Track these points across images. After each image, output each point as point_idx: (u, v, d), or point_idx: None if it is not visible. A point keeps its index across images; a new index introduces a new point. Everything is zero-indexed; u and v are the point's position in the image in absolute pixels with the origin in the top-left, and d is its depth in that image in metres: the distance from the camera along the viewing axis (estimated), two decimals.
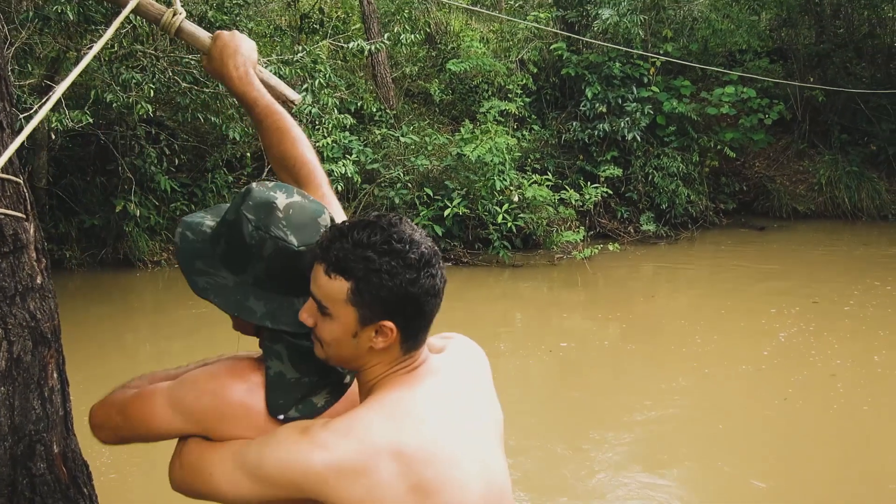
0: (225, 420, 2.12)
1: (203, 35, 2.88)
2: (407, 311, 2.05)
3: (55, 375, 2.70)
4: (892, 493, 6.93)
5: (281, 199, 2.18)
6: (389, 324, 2.06)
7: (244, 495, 2.05)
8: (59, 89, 2.73)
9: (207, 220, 2.33)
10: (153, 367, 2.82)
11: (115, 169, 13.98)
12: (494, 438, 2.27)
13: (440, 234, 14.42)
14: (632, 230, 16.74)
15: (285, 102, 2.87)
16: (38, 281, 2.62)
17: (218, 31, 2.84)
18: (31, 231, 2.64)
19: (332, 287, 2.03)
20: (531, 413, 8.51)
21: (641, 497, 6.93)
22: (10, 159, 2.44)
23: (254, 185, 2.24)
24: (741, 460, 7.58)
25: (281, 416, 2.13)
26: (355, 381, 2.25)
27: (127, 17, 2.76)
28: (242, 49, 2.79)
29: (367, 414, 2.04)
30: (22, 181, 2.63)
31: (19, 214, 2.56)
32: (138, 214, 13.78)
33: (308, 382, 2.19)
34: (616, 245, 15.18)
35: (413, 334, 2.12)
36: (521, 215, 14.52)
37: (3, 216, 2.48)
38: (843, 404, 8.77)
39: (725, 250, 16.17)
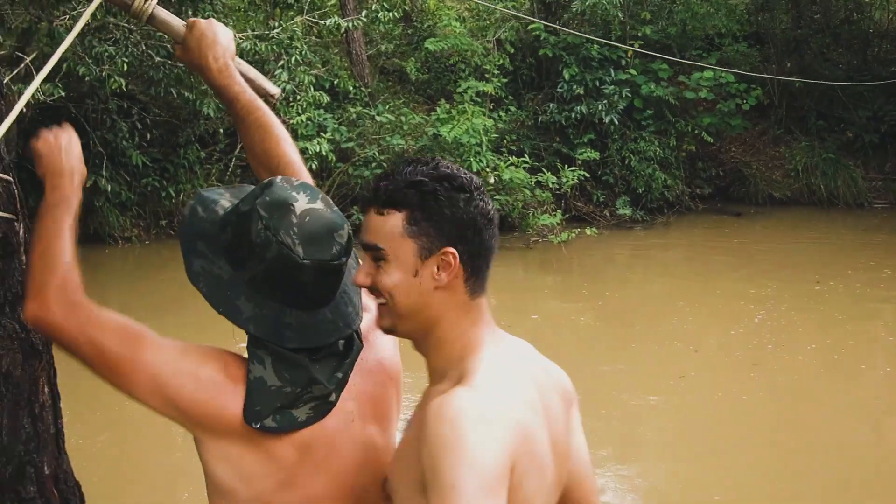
0: (204, 417, 2.07)
1: (177, 23, 2.69)
2: (466, 236, 1.97)
3: (46, 390, 2.52)
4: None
5: (300, 203, 2.09)
6: (451, 250, 1.97)
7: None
8: (37, 81, 2.64)
9: (223, 201, 2.23)
10: None
11: (87, 143, 13.89)
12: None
13: None
14: (608, 214, 16.89)
15: (265, 97, 2.75)
16: None
17: (192, 19, 2.67)
18: (21, 233, 2.46)
19: (386, 223, 1.96)
20: None
21: (616, 477, 7.08)
22: None
23: (278, 178, 2.15)
24: (713, 440, 7.86)
25: (256, 425, 2.05)
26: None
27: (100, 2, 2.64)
28: (221, 38, 2.66)
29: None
30: (12, 179, 2.49)
31: (9, 215, 2.41)
32: (109, 189, 13.76)
33: (290, 393, 2.07)
34: (594, 230, 15.30)
35: (477, 267, 2.02)
36: (497, 197, 14.57)
37: None
38: (811, 381, 9.20)
39: (701, 235, 16.37)
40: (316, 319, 2.11)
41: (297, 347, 2.08)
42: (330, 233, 2.09)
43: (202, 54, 2.61)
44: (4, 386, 2.38)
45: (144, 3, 2.61)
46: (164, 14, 2.66)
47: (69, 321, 2.08)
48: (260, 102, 2.62)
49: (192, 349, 2.12)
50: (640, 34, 17.59)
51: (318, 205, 2.11)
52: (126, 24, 12.38)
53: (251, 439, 2.06)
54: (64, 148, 2.44)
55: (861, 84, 18.39)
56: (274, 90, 2.87)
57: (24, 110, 12.60)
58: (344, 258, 2.12)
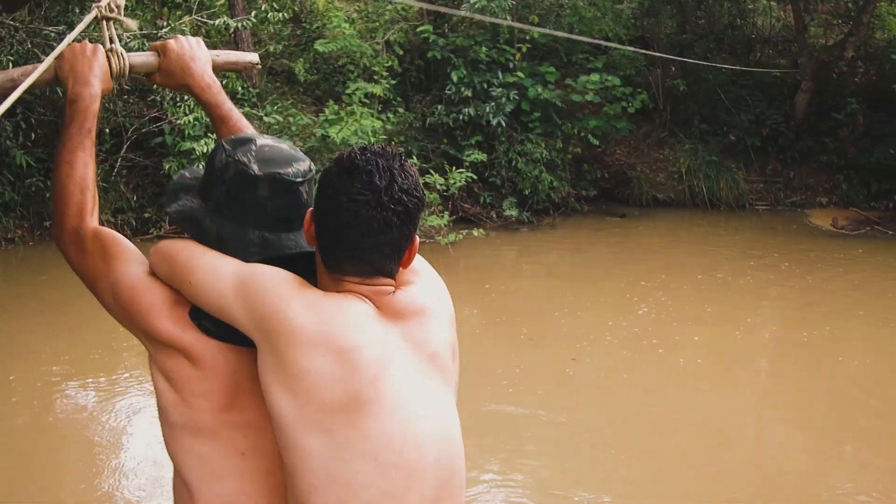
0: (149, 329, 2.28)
1: (146, 56, 2.84)
2: (321, 221, 2.17)
3: None
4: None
5: (263, 140, 2.34)
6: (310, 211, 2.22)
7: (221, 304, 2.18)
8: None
9: (200, 171, 2.47)
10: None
11: None
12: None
13: None
14: (494, 215, 17.33)
15: (249, 68, 3.05)
16: None
17: (160, 43, 2.83)
18: None
19: None
20: None
21: (501, 486, 7.41)
22: None
23: (236, 137, 2.40)
24: (598, 441, 8.26)
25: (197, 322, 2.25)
26: None
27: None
28: (196, 53, 2.80)
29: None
30: None
31: None
32: None
33: None
34: (481, 231, 15.73)
35: (329, 255, 2.18)
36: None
37: None
38: (693, 377, 9.74)
39: (586, 236, 16.88)
40: (280, 239, 2.31)
41: (258, 260, 2.24)
42: (288, 160, 2.31)
43: (188, 74, 2.80)
44: None
45: (120, 62, 2.77)
46: (135, 57, 2.81)
47: (70, 249, 2.44)
48: (245, 122, 2.83)
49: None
50: (528, 37, 18.04)
51: (283, 145, 2.36)
52: (11, 23, 12.43)
53: (184, 348, 2.23)
54: (89, 56, 2.69)
55: (742, 76, 19.15)
56: (253, 58, 3.12)
57: None
58: (300, 179, 2.31)
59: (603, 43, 17.37)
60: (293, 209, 2.31)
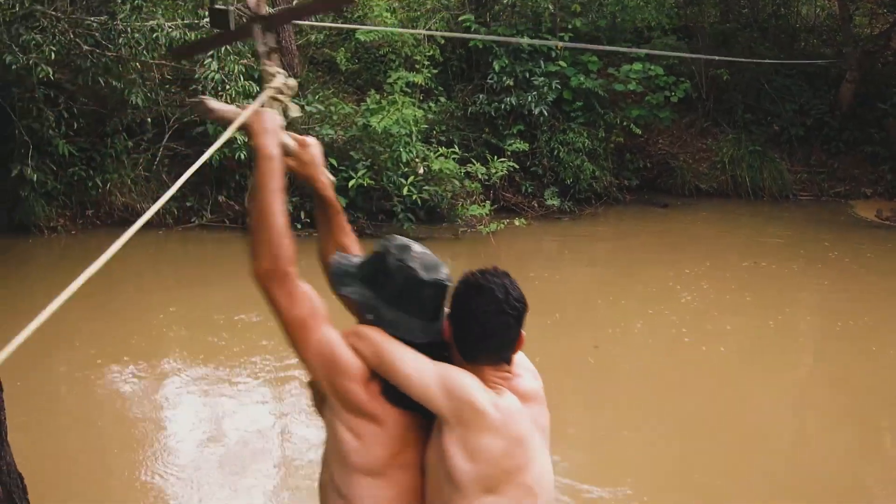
0: (345, 392, 3.00)
1: (291, 141, 3.35)
2: (460, 326, 3.04)
3: None
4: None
5: (414, 246, 3.11)
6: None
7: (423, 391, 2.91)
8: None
9: (353, 259, 3.26)
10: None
11: (12, 132, 14.06)
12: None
13: (344, 204, 14.67)
14: (536, 205, 17.26)
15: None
16: None
17: (305, 138, 3.43)
18: None
19: None
20: None
21: None
22: None
23: (395, 235, 3.19)
24: (643, 424, 8.25)
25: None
26: None
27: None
28: (320, 154, 3.47)
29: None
30: None
31: None
32: (35, 179, 13.89)
33: None
34: (522, 220, 15.68)
35: (466, 349, 3.03)
36: (427, 188, 14.90)
37: None
38: (734, 365, 9.73)
39: (628, 226, 16.80)
40: (431, 326, 3.05)
41: (422, 343, 3.00)
42: (438, 265, 3.09)
43: (314, 169, 3.45)
44: None
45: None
46: (286, 137, 3.31)
47: (277, 290, 2.93)
48: (339, 207, 3.58)
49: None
50: (570, 26, 17.98)
51: (425, 249, 3.13)
52: (53, 13, 12.52)
53: (375, 415, 2.96)
54: (277, 125, 3.22)
55: (786, 66, 18.98)
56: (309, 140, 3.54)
57: None
58: (450, 282, 3.07)
59: (633, 50, 17.28)
60: (441, 304, 3.08)
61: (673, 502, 6.94)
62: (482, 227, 14.97)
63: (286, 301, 2.94)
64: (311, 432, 7.82)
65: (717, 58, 18.64)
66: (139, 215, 14.65)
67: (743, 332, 10.88)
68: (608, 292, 12.63)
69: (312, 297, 3.00)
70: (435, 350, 3.00)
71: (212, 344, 10.06)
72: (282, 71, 3.43)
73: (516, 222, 15.44)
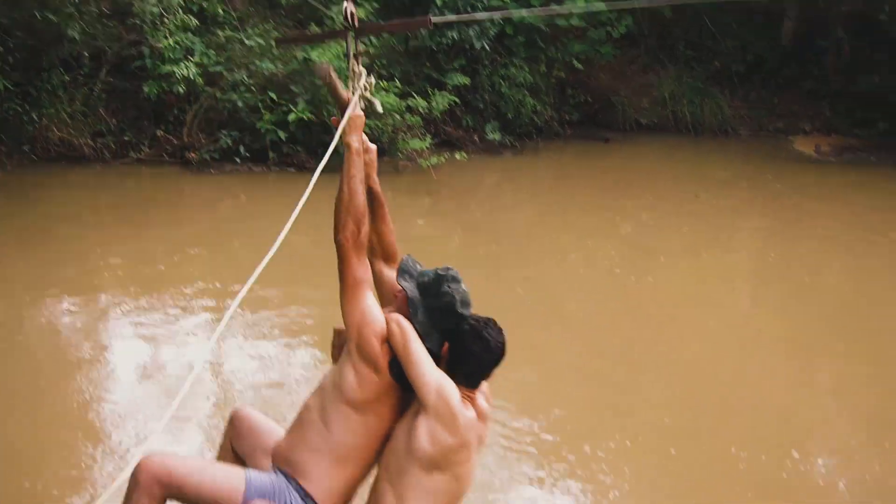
0: (370, 347, 3.97)
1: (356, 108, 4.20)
2: (458, 356, 3.98)
3: None
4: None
5: (463, 284, 4.02)
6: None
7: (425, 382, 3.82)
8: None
9: (418, 266, 4.16)
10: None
11: None
12: None
13: (283, 139, 14.67)
14: (477, 139, 17.28)
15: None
16: None
17: (368, 143, 4.28)
18: None
19: None
20: None
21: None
22: None
23: (452, 268, 4.05)
24: (579, 346, 8.51)
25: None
26: None
27: None
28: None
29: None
30: None
31: None
32: None
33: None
34: (463, 154, 15.66)
35: (454, 372, 3.94)
36: (367, 121, 14.71)
37: None
38: (673, 293, 10.00)
39: (569, 160, 16.87)
40: (441, 340, 3.95)
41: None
42: (468, 304, 4.00)
43: (373, 170, 4.33)
44: None
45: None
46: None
47: (354, 254, 3.93)
48: (383, 200, 4.39)
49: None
50: None
51: (467, 288, 4.02)
52: None
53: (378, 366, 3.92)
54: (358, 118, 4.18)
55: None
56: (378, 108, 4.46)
57: None
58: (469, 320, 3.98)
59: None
60: (452, 329, 3.97)
61: (605, 431, 7.00)
62: (423, 160, 14.95)
63: (357, 264, 3.93)
64: (245, 364, 7.90)
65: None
66: (76, 150, 14.58)
67: (682, 264, 11.03)
68: (548, 225, 12.73)
69: (369, 269, 4.06)
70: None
71: (149, 278, 9.99)
72: (364, 70, 4.30)
73: (457, 156, 15.45)
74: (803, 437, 7.01)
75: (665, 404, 7.43)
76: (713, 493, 6.15)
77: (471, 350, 3.87)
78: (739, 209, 13.67)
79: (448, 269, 4.01)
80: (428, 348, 3.84)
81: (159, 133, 15.21)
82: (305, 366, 7.90)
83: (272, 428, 4.41)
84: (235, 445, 4.45)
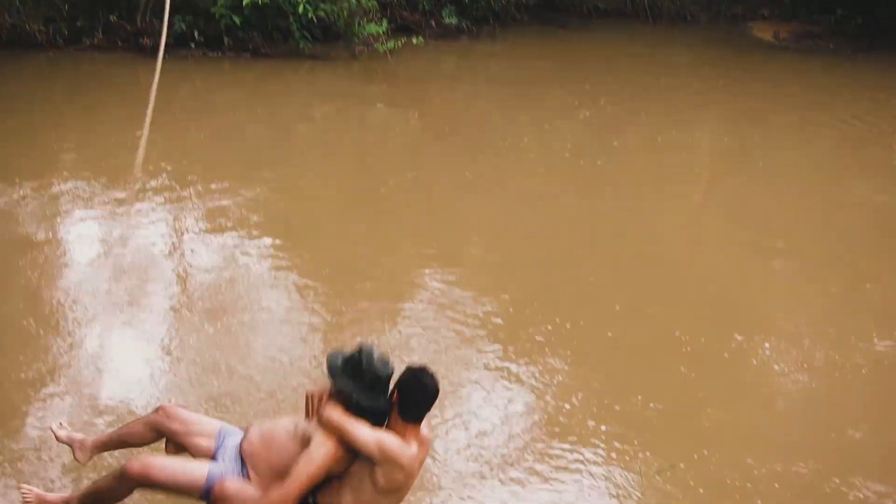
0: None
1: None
2: (407, 398, 4.48)
3: None
4: None
5: (376, 355, 4.49)
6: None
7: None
8: None
9: (340, 357, 4.60)
10: None
11: None
12: None
13: (238, 23, 14.45)
14: (433, 23, 17.13)
15: None
16: None
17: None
18: None
19: None
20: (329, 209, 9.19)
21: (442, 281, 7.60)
22: None
23: (364, 348, 4.52)
24: (532, 226, 8.57)
25: None
26: None
27: None
28: None
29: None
30: None
31: None
32: None
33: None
34: (420, 39, 15.57)
35: (406, 412, 4.48)
36: (322, 6, 14.68)
37: None
38: (630, 176, 10.24)
39: (527, 45, 16.83)
40: (381, 401, 4.49)
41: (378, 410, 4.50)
42: (386, 361, 4.51)
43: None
44: None
45: None
46: None
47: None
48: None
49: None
50: None
51: (378, 352, 4.52)
52: None
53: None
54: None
55: None
56: None
57: None
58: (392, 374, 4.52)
59: None
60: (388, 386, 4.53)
61: (550, 314, 7.10)
62: (379, 45, 14.87)
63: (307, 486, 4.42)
64: (205, 252, 8.01)
65: None
66: (29, 37, 14.38)
67: (638, 147, 11.11)
68: (505, 109, 12.77)
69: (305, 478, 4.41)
70: (379, 415, 4.49)
71: (106, 165, 9.94)
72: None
73: (414, 41, 15.36)
74: (748, 322, 7.19)
75: (612, 288, 7.62)
76: (656, 373, 6.35)
77: (414, 395, 4.46)
78: (698, 94, 13.74)
79: (360, 349, 4.53)
80: (381, 407, 4.50)
81: (112, 18, 15.02)
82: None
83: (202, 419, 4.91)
84: (164, 428, 4.81)
